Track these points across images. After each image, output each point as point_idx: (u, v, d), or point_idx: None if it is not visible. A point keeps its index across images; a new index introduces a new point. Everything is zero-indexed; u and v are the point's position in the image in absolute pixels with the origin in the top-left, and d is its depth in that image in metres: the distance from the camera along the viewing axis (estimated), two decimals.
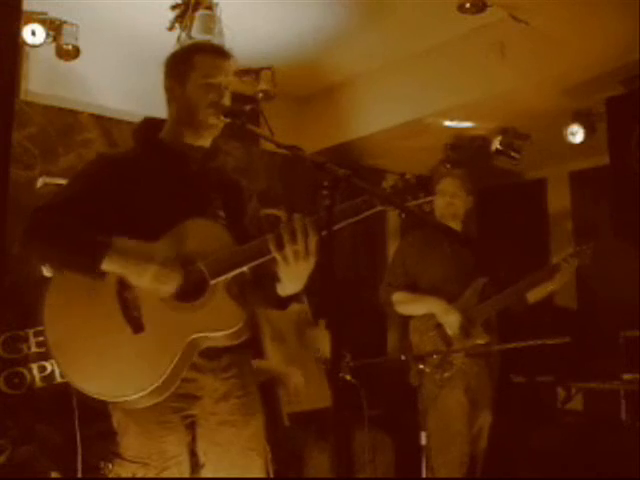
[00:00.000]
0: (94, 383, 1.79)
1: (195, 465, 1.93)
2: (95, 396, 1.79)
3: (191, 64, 2.00)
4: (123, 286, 1.83)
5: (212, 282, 1.83)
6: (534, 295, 3.31)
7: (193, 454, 1.93)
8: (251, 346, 2.07)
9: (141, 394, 1.77)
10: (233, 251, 1.85)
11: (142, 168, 1.97)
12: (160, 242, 1.85)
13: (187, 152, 2.03)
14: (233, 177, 2.19)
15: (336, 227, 1.66)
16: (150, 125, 2.10)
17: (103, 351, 1.79)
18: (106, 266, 1.78)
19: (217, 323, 1.83)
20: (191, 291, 1.83)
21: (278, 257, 1.77)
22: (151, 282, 1.79)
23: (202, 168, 2.05)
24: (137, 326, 1.81)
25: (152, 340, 1.80)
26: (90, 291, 1.82)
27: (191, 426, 1.92)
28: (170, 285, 1.81)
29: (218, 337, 1.86)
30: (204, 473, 1.94)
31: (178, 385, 1.84)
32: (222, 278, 1.83)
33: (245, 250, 1.84)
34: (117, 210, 1.88)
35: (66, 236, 1.84)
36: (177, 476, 1.88)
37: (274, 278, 1.88)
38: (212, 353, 1.91)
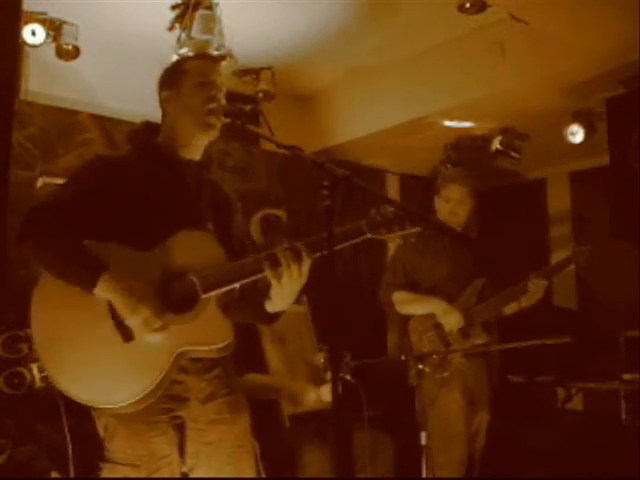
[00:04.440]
0: (83, 389, 1.78)
1: (184, 468, 1.93)
2: (83, 402, 1.79)
3: (183, 70, 2.05)
4: None
5: (204, 296, 1.83)
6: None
7: (182, 455, 1.93)
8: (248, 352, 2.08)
9: (130, 401, 1.78)
10: (227, 267, 1.86)
11: (138, 173, 1.97)
12: (154, 257, 1.86)
13: (182, 163, 2.04)
14: (223, 190, 2.20)
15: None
16: (147, 129, 2.11)
17: (92, 357, 1.79)
18: (97, 292, 1.77)
19: (207, 337, 1.85)
20: (182, 303, 1.84)
21: (272, 278, 1.80)
22: (139, 325, 1.78)
23: (196, 180, 2.07)
24: (127, 335, 1.80)
25: (142, 350, 1.80)
26: (79, 293, 1.81)
27: (179, 427, 1.92)
28: (153, 334, 1.79)
29: (207, 350, 1.87)
30: (195, 474, 1.94)
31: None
32: (214, 293, 1.84)
33: (239, 267, 1.85)
34: (111, 214, 1.88)
35: (61, 245, 1.83)
36: (168, 476, 1.88)
37: (263, 294, 1.90)
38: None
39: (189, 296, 1.84)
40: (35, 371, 3.52)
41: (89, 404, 1.81)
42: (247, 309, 2.01)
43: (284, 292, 1.84)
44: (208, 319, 1.83)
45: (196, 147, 2.06)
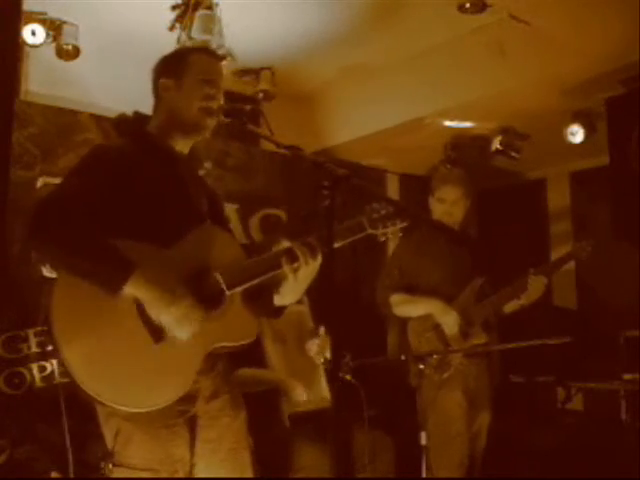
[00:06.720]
0: (110, 390, 1.69)
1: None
2: (114, 405, 1.71)
3: (187, 62, 2.04)
4: None
5: (228, 293, 1.85)
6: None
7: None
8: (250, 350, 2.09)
9: (168, 403, 1.75)
10: (248, 263, 1.90)
11: (139, 165, 1.93)
12: (175, 255, 1.84)
13: (176, 156, 2.03)
14: (209, 185, 2.22)
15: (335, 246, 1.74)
16: (137, 119, 2.09)
17: (122, 358, 1.71)
18: (128, 289, 1.70)
19: (237, 334, 1.89)
20: (208, 300, 1.83)
21: (289, 273, 1.85)
22: (178, 318, 1.74)
23: (190, 174, 2.08)
24: (158, 335, 1.75)
25: (174, 351, 1.75)
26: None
27: (192, 427, 1.92)
28: (189, 329, 1.75)
29: (235, 346, 1.90)
30: (196, 470, 1.93)
31: None
32: (238, 289, 1.87)
33: (260, 263, 1.89)
34: (119, 207, 1.84)
35: (85, 244, 1.75)
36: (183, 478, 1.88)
37: (271, 288, 1.94)
38: None
39: (214, 293, 1.84)
40: (35, 371, 3.51)
41: (123, 408, 1.72)
42: (256, 302, 2.01)
43: (297, 287, 1.88)
44: (235, 315, 1.87)
45: (186, 142, 2.06)
